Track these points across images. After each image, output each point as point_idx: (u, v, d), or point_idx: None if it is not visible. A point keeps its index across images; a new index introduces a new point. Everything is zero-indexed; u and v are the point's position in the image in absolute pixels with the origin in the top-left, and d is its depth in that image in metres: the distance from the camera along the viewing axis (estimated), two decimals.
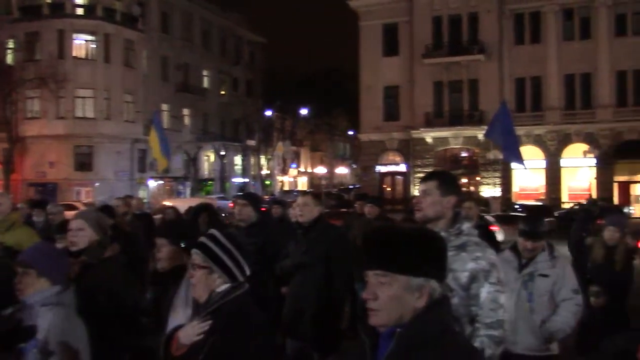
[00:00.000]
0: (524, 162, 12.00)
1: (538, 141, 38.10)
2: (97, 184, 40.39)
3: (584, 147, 37.59)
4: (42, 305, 3.10)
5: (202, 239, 2.86)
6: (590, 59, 37.48)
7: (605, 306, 5.98)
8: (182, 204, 17.96)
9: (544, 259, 4.52)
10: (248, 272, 2.83)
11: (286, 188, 66.27)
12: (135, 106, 44.31)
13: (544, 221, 4.91)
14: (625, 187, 37.38)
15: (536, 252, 4.53)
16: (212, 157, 54.66)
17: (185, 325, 2.80)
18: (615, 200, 35.71)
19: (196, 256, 2.81)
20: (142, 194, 40.03)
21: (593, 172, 37.52)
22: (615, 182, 37.26)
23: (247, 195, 6.54)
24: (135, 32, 44.41)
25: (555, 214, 27.66)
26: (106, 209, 7.32)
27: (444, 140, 40.27)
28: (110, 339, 3.42)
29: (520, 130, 26.49)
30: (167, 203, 24.17)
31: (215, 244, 2.81)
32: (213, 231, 2.92)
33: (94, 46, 42.30)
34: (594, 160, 37.10)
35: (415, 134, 40.23)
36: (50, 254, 3.32)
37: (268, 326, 3.01)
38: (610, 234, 6.25)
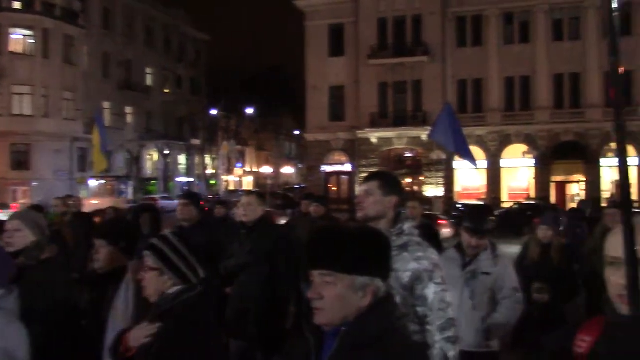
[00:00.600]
0: (475, 161, 12.21)
1: (479, 142, 38.97)
2: (34, 184, 39.17)
3: (523, 148, 38.69)
4: None
5: (154, 240, 2.84)
6: (529, 63, 38.57)
7: (537, 302, 6.17)
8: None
9: (487, 257, 4.62)
10: (202, 275, 2.81)
11: (231, 188, 65.80)
12: (75, 104, 43.20)
13: (488, 219, 5.02)
14: (561, 187, 38.65)
15: (480, 249, 4.62)
16: (156, 156, 53.81)
17: (135, 328, 2.77)
18: (553, 199, 36.85)
19: (147, 258, 2.78)
20: (82, 193, 39.02)
21: (532, 172, 38.67)
22: (553, 182, 38.48)
23: (188, 195, 6.49)
24: (76, 27, 43.27)
25: (496, 213, 28.35)
26: (38, 210, 7.10)
27: (388, 141, 40.73)
28: (50, 343, 3.32)
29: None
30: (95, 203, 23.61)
31: (167, 245, 2.79)
32: (165, 233, 2.91)
33: (32, 41, 41.01)
34: (533, 161, 38.24)
35: (361, 134, 40.56)
36: None
37: (217, 330, 2.98)
38: (543, 232, 6.46)
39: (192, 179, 58.41)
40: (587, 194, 36.46)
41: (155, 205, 9.74)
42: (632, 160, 34.98)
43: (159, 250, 2.77)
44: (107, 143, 13.96)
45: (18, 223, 3.81)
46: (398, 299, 2.91)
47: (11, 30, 40.46)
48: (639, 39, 36.81)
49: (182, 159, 58.45)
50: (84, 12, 44.59)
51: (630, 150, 35.23)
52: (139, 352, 2.67)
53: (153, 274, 2.74)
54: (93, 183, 43.90)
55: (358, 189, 3.26)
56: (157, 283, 2.74)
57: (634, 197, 34.82)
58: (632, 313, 1.44)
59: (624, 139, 1.30)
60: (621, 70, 1.34)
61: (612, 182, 36.40)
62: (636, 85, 36.69)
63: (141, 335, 2.68)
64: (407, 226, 3.11)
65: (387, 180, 3.18)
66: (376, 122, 40.27)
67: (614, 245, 1.64)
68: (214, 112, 57.35)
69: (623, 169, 1.30)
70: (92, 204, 27.59)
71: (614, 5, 1.33)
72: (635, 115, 35.93)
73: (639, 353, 1.43)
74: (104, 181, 44.46)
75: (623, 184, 1.33)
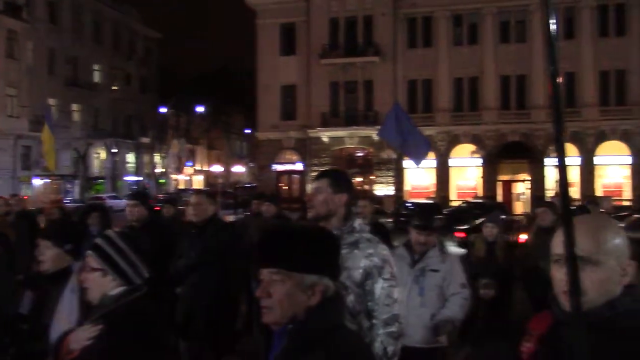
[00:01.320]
0: (421, 160, 12.25)
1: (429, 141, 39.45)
2: None
3: (471, 147, 39.41)
4: None
5: (97, 240, 2.78)
6: (477, 64, 39.29)
7: (488, 298, 6.32)
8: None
9: (435, 255, 4.72)
10: (146, 275, 2.77)
11: (181, 187, 64.96)
12: (19, 100, 41.90)
13: (436, 217, 5.13)
14: (508, 185, 39.53)
15: (428, 246, 4.71)
16: (103, 154, 52.69)
17: (76, 330, 2.70)
18: (499, 198, 37.66)
19: (90, 258, 2.72)
20: (27, 192, 37.91)
21: (479, 171, 39.42)
22: (499, 181, 39.31)
23: (137, 195, 6.39)
24: (19, 22, 41.95)
25: (445, 211, 28.80)
26: None
27: (339, 140, 40.90)
28: None
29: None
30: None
31: (110, 245, 2.73)
32: (108, 232, 2.85)
33: None
34: (480, 160, 38.98)
35: (312, 133, 40.61)
36: None
37: (164, 331, 2.94)
38: (488, 230, 6.62)
39: (141, 178, 57.43)
40: (532, 193, 37.43)
41: (104, 204, 9.54)
42: (573, 160, 36.10)
43: (103, 250, 2.71)
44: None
45: None
46: (352, 297, 2.94)
47: None
48: (580, 41, 37.98)
49: (130, 157, 57.40)
50: (28, 6, 43.28)
51: (573, 150, 36.34)
52: (81, 354, 2.60)
53: (96, 274, 2.68)
54: (38, 182, 42.73)
55: (310, 188, 3.27)
56: (100, 284, 2.68)
57: (577, 195, 35.95)
58: (572, 310, 1.49)
59: (563, 147, 1.36)
60: (559, 80, 1.39)
61: (556, 181, 37.36)
62: (578, 86, 37.85)
63: (83, 337, 2.61)
64: (357, 223, 3.13)
65: (336, 178, 3.19)
66: (327, 122, 40.39)
67: (558, 243, 1.69)
68: (163, 110, 56.51)
69: (562, 170, 1.35)
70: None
71: (551, 20, 1.38)
72: (578, 116, 37.09)
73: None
74: (49, 180, 43.32)
75: (562, 184, 1.39)
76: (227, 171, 73.74)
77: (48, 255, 3.41)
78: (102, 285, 2.68)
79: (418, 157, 12.04)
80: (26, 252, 6.48)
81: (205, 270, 5.16)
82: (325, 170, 3.40)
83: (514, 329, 1.91)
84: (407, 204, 31.26)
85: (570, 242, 1.42)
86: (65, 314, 3.12)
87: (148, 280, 2.78)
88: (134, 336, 2.56)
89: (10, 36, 41.47)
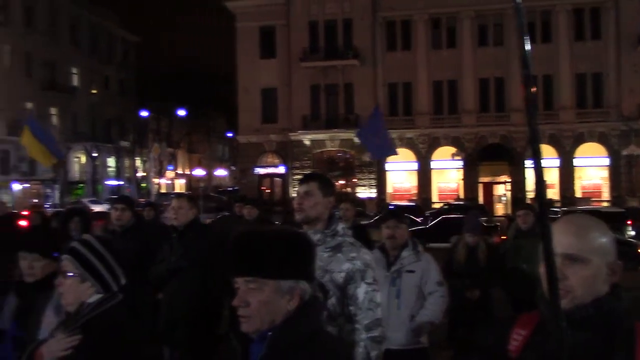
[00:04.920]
0: (379, 157, 12.67)
1: (410, 144, 39.68)
2: None
3: (452, 149, 39.64)
4: None
5: (74, 244, 2.65)
6: (456, 67, 39.53)
7: (470, 299, 6.38)
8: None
9: (408, 254, 4.74)
10: (123, 282, 2.67)
11: (163, 190, 64.54)
12: None
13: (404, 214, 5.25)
14: (488, 187, 39.83)
15: (398, 241, 4.73)
16: (83, 158, 52.19)
17: (50, 339, 2.56)
18: (480, 199, 37.94)
19: (67, 262, 2.58)
20: (5, 197, 37.42)
21: (460, 173, 39.67)
22: (480, 182, 39.60)
23: (124, 199, 6.35)
24: None
25: (427, 213, 28.97)
26: None
27: (321, 143, 40.93)
28: None
29: (393, 134, 27.36)
30: None
31: (89, 250, 2.61)
32: (87, 236, 2.74)
33: None
34: (461, 162, 39.22)
35: (293, 136, 40.60)
36: None
37: (142, 339, 2.87)
38: (470, 238, 6.68)
39: (121, 182, 56.97)
40: (512, 195, 37.74)
41: (85, 209, 9.45)
42: (552, 162, 36.50)
43: (81, 255, 2.58)
44: (53, 144, 13.80)
45: None
46: (333, 299, 2.96)
47: None
48: (557, 45, 38.42)
49: (111, 161, 56.92)
50: (4, 9, 42.78)
51: (551, 152, 36.73)
52: None
53: (72, 280, 2.55)
54: (17, 187, 42.23)
55: (294, 191, 3.28)
56: (76, 290, 2.55)
57: (556, 197, 36.30)
58: (551, 309, 1.51)
59: (538, 148, 1.39)
60: (534, 90, 1.42)
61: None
62: (555, 89, 38.28)
63: (58, 348, 2.48)
64: (340, 227, 3.14)
65: (325, 181, 3.21)
66: (308, 124, 40.41)
67: None
68: (144, 113, 56.13)
69: (538, 171, 1.38)
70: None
71: (522, 20, 1.41)
72: (556, 118, 37.50)
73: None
74: (28, 185, 42.84)
75: (538, 185, 1.42)
76: (209, 175, 73.42)
77: (38, 267, 3.26)
78: (79, 291, 2.56)
79: (378, 154, 12.34)
80: (5, 259, 6.41)
81: (186, 275, 5.14)
82: (313, 174, 3.40)
83: (502, 329, 1.93)
84: (389, 207, 31.41)
85: (547, 242, 1.45)
86: (54, 323, 2.99)
87: (126, 287, 2.69)
88: (115, 347, 2.47)
89: None
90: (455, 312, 6.28)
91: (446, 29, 40.26)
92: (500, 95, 39.45)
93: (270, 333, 1.79)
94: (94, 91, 54.20)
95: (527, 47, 1.34)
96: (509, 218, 20.12)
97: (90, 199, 45.21)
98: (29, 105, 43.65)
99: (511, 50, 38.10)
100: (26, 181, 42.62)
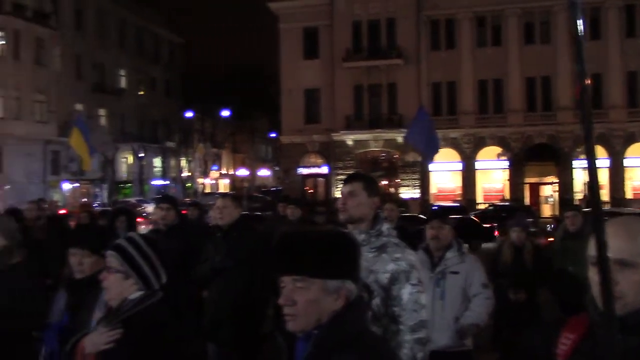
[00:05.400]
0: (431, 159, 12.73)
1: (454, 144, 39.29)
2: (7, 187, 38.50)
3: (497, 149, 39.08)
4: None
5: (120, 241, 2.72)
6: (501, 65, 38.97)
7: (516, 302, 6.26)
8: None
9: (453, 255, 4.69)
10: (164, 280, 2.72)
11: (207, 190, 65.39)
12: (47, 106, 42.58)
13: (449, 216, 5.18)
14: (535, 188, 39.14)
15: (442, 241, 4.68)
16: (130, 158, 53.27)
17: (92, 332, 2.64)
18: (527, 200, 37.30)
19: (112, 259, 2.65)
20: (56, 197, 38.48)
21: (506, 174, 39.07)
22: (526, 183, 38.93)
23: (169, 199, 6.45)
24: (47, 29, 42.64)
25: (471, 214, 28.63)
26: (14, 213, 7.02)
27: (364, 143, 40.85)
28: (19, 348, 3.26)
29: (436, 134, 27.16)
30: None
31: (135, 248, 2.67)
32: (132, 234, 2.81)
33: (3, 42, 40.35)
34: (507, 163, 38.63)
35: (336, 136, 40.62)
36: None
37: (186, 337, 2.90)
38: (516, 234, 6.56)
39: (167, 182, 57.94)
40: (560, 196, 36.99)
41: (130, 207, 9.65)
42: (601, 162, 35.60)
43: (126, 252, 2.65)
44: (94, 144, 14.17)
45: None
46: (378, 300, 2.94)
47: None
48: (607, 42, 37.45)
49: (157, 161, 57.93)
50: (55, 14, 43.96)
51: (601, 152, 35.84)
52: (98, 359, 2.55)
53: (116, 276, 2.62)
54: (67, 186, 43.37)
55: (338, 191, 3.27)
56: (120, 286, 2.62)
57: (605, 198, 35.42)
58: (605, 313, 1.48)
59: (592, 148, 1.35)
60: (587, 81, 1.38)
61: (585, 184, 36.99)
62: (605, 87, 37.32)
63: (100, 341, 2.55)
64: (385, 227, 3.13)
65: (370, 181, 3.19)
66: (351, 125, 40.37)
67: (594, 246, 1.67)
68: (189, 114, 56.98)
69: (592, 172, 1.34)
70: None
71: (579, 21, 1.37)
72: (605, 118, 36.58)
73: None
74: (78, 184, 43.95)
75: (592, 186, 1.38)
76: (253, 175, 74.09)
77: (87, 264, 3.37)
78: (122, 287, 2.63)
79: (430, 156, 12.36)
80: (57, 257, 6.59)
81: (232, 274, 5.18)
82: (357, 174, 3.39)
83: (549, 332, 1.88)
84: (433, 207, 31.17)
85: (601, 245, 1.41)
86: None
87: (169, 285, 2.74)
88: (155, 343, 2.52)
89: (38, 43, 42.15)
90: (500, 314, 6.18)
91: (491, 27, 39.71)
92: (547, 94, 38.71)
93: (316, 332, 1.80)
94: (141, 92, 55.27)
95: (581, 42, 1.30)
96: (557, 219, 19.73)
97: (137, 198, 46.13)
98: (79, 106, 44.76)
99: (559, 48, 37.32)
100: (76, 181, 43.70)
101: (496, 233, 21.61)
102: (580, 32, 1.34)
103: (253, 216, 19.60)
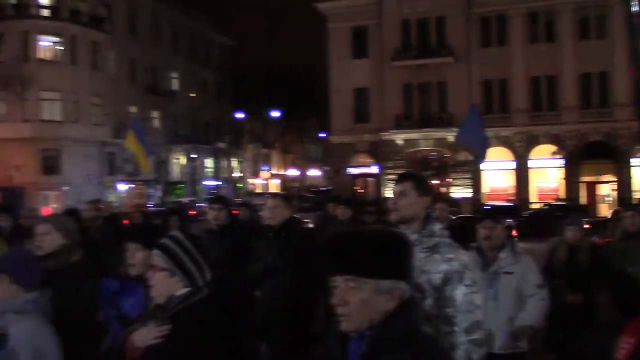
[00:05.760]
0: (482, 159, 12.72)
1: (506, 142, 38.59)
2: (65, 188, 39.76)
3: (552, 148, 38.16)
4: (14, 313, 3.00)
5: (165, 240, 2.78)
6: (555, 62, 38.04)
7: (572, 303, 6.11)
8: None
9: (506, 255, 4.60)
10: (209, 277, 2.77)
11: (258, 190, 66.08)
12: (103, 109, 43.78)
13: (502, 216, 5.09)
14: (591, 187, 38.06)
15: (494, 242, 4.60)
16: (183, 159, 54.27)
17: (141, 328, 2.72)
18: (583, 200, 36.35)
19: (157, 257, 2.72)
20: (112, 197, 39.55)
21: (561, 172, 38.14)
22: (582, 182, 37.91)
23: (221, 199, 6.53)
24: (102, 33, 43.83)
25: (525, 214, 28.07)
26: (73, 213, 7.22)
27: (414, 142, 40.52)
28: (77, 347, 3.35)
29: (488, 132, 26.57)
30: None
31: (178, 246, 2.73)
32: (176, 233, 2.86)
33: (61, 48, 41.67)
34: (562, 161, 37.71)
35: (385, 136, 40.41)
36: (24, 260, 3.25)
37: (239, 335, 2.95)
38: (571, 233, 6.40)
39: (219, 182, 58.78)
40: (618, 195, 35.91)
41: (183, 208, 9.83)
42: None
43: (171, 250, 2.71)
44: (148, 147, 14.42)
45: (48, 227, 3.87)
46: (430, 301, 2.91)
47: (39, 37, 41.09)
48: None
49: (208, 162, 58.86)
50: (109, 18, 45.14)
51: None
52: (146, 353, 2.62)
53: (163, 274, 2.68)
54: (122, 187, 44.48)
55: (388, 191, 3.26)
56: (166, 284, 2.68)
57: None
58: None
59: None
60: None
61: None
62: None
63: (149, 336, 2.62)
64: (437, 227, 3.10)
65: (420, 181, 3.18)
66: (401, 124, 40.09)
67: None
68: (239, 115, 57.68)
69: None
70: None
71: (634, 8, 1.33)
72: None
73: None
74: (133, 185, 45.04)
75: None
76: (303, 175, 74.48)
77: (138, 257, 3.50)
78: (168, 285, 2.69)
79: (482, 154, 12.28)
80: (113, 256, 6.75)
81: (282, 274, 5.21)
82: (407, 173, 3.37)
83: (608, 336, 1.83)
84: (485, 207, 30.70)
85: None
86: None
87: (219, 284, 2.79)
88: (201, 339, 2.57)
89: (94, 48, 43.35)
90: (555, 315, 6.03)
91: (544, 22, 38.81)
92: (604, 90, 37.58)
93: (369, 332, 1.79)
94: (193, 94, 56.24)
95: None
96: (614, 219, 19.15)
97: (190, 198, 46.95)
98: (133, 109, 45.87)
99: (615, 43, 36.21)
100: (131, 182, 44.79)
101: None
102: (636, 26, 1.30)
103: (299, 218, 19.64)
